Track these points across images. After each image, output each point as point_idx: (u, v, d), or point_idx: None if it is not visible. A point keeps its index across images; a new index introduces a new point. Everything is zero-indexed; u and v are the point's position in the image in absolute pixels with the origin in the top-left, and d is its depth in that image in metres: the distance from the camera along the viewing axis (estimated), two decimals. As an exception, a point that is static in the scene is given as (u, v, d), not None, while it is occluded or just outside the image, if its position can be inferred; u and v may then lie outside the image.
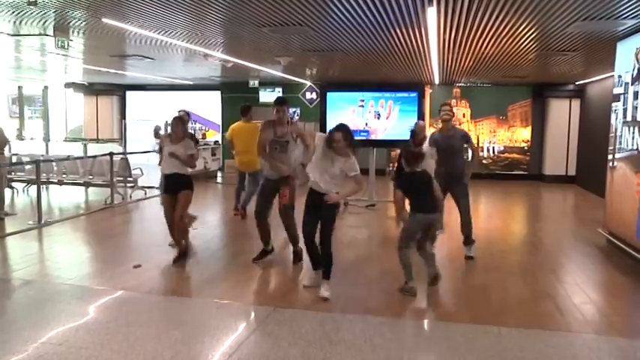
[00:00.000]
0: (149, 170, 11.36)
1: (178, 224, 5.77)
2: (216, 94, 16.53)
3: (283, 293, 4.95)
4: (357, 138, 9.99)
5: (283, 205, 5.50)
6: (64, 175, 10.47)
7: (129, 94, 17.48)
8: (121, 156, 10.48)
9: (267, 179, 5.61)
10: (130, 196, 10.38)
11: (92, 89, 16.77)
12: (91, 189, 11.11)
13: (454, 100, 14.83)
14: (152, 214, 9.26)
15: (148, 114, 16.69)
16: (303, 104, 15.08)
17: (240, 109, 8.81)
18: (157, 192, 11.16)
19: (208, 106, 17.02)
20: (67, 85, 16.64)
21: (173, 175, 5.83)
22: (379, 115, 10.30)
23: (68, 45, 6.94)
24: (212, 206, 10.34)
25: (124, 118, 16.53)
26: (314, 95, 14.79)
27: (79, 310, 4.42)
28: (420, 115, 9.90)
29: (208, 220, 8.49)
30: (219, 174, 15.05)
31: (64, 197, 10.64)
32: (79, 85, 16.58)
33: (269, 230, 5.85)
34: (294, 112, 15.05)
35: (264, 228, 5.78)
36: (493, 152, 14.92)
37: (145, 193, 10.72)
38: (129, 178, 10.56)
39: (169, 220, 5.83)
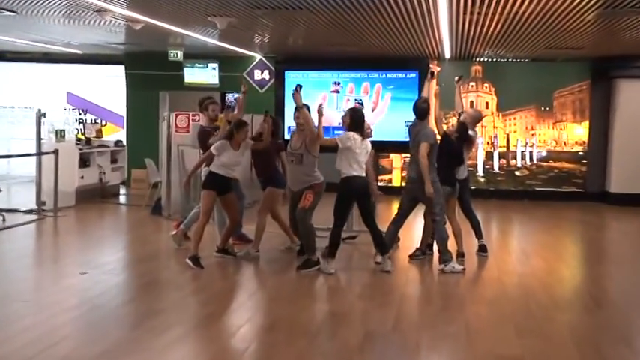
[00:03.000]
0: (13, 185, 11.13)
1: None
2: (118, 70, 16.42)
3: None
4: (331, 139, 10.09)
5: (301, 209, 7.80)
6: None
7: (-24, 65, 17.16)
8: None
9: (291, 191, 8.25)
10: (-20, 225, 10.17)
11: None
12: None
13: (473, 83, 15.08)
14: (14, 251, 9.05)
15: (9, 96, 16.44)
16: (250, 88, 15.05)
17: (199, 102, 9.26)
18: (27, 218, 10.92)
19: (106, 88, 16.88)
20: None
21: None
22: (362, 105, 10.35)
23: None
24: (111, 240, 10.21)
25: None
26: (266, 75, 14.79)
27: None
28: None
29: (105, 261, 8.38)
30: (122, 190, 14.88)
31: None
32: None
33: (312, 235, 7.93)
34: (234, 98, 15.07)
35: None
36: (531, 160, 15.20)
37: (4, 220, 10.52)
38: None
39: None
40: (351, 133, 7.61)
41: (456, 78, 9.07)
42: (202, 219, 8.00)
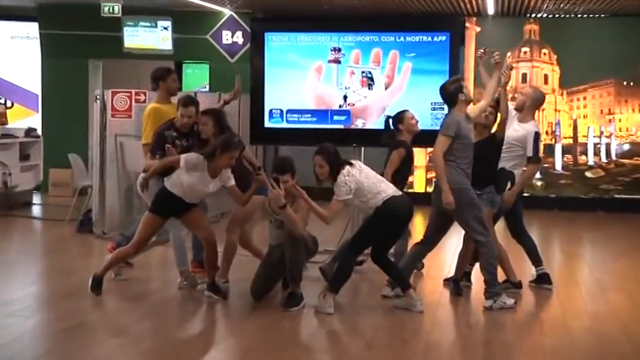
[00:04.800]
0: None
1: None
2: (30, 29, 16.43)
3: None
4: (328, 127, 10.09)
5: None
6: None
7: None
8: None
9: (269, 244, 8.51)
10: None
11: None
12: None
13: (526, 49, 15.10)
14: None
15: None
16: (216, 56, 15.10)
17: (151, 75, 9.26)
18: None
19: (11, 55, 16.97)
20: None
21: None
22: (372, 79, 10.37)
23: None
24: (21, 268, 10.20)
25: None
26: (238, 38, 14.80)
27: None
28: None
29: (12, 298, 8.38)
30: (36, 198, 14.89)
31: None
32: None
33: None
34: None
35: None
36: (607, 156, 15.24)
37: None
38: None
39: None
40: (341, 177, 7.65)
41: (480, 51, 9.07)
42: (131, 248, 8.15)
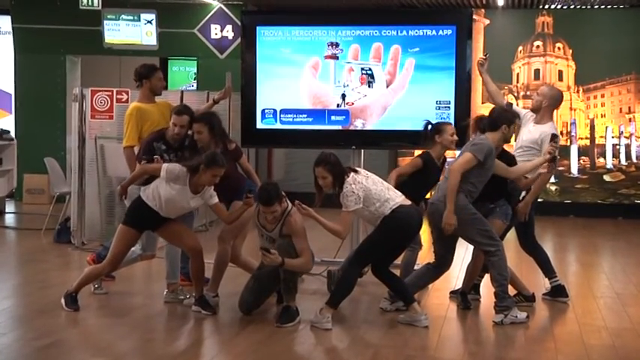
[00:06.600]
0: None
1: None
2: (3, 23, 16.48)
3: None
4: (325, 127, 10.07)
5: None
6: None
7: None
8: None
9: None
10: None
11: None
12: None
13: (539, 43, 15.13)
14: None
15: None
16: (204, 51, 15.11)
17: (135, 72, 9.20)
18: None
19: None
20: None
21: None
22: (372, 77, 10.35)
23: None
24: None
25: None
26: (228, 32, 14.81)
27: None
28: (463, 78, 10.03)
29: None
30: (9, 206, 14.97)
31: None
32: None
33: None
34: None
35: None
36: (627, 158, 15.25)
37: None
38: None
39: None
40: (347, 186, 7.69)
41: (480, 58, 9.12)
42: (107, 264, 8.17)
